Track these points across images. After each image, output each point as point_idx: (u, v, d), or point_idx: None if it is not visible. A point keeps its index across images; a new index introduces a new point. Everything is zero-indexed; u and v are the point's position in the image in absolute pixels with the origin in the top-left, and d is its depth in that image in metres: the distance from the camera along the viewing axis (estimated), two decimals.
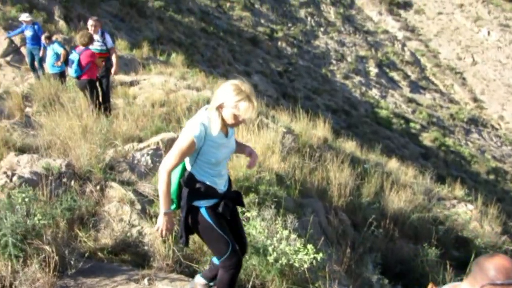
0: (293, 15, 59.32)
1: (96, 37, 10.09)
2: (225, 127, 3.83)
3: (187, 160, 3.90)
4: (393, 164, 13.20)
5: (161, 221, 3.82)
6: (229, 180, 4.18)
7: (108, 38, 10.58)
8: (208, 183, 3.87)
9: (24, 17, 15.18)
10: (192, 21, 42.72)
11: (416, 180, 11.92)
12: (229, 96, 3.63)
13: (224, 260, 3.84)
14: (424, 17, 68.12)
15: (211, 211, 3.88)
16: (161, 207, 3.81)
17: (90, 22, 10.38)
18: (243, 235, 4.19)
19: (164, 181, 3.73)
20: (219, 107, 3.69)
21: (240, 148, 4.28)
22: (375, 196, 8.93)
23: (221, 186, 3.96)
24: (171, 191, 3.87)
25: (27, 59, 15.85)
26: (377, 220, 7.41)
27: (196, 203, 3.88)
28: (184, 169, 3.96)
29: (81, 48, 9.28)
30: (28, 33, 14.91)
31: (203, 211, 3.87)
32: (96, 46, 9.98)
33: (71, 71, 9.34)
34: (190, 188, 3.88)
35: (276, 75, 44.05)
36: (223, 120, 3.73)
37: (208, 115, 3.75)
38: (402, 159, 16.13)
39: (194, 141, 3.68)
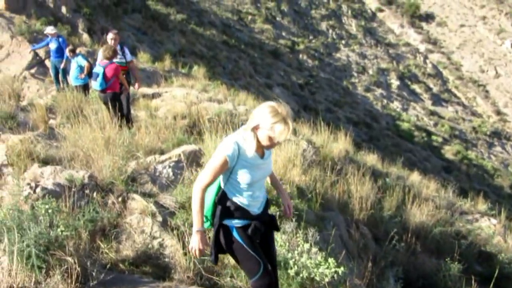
0: (315, 27, 59.48)
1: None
2: (261, 149, 3.80)
3: (221, 178, 3.87)
4: (415, 177, 13.10)
5: (195, 240, 3.75)
6: (267, 202, 4.11)
7: (127, 51, 10.67)
8: (239, 203, 3.82)
9: (49, 30, 15.35)
10: (213, 34, 43.03)
11: (438, 194, 11.81)
12: (265, 117, 3.61)
13: (256, 280, 3.76)
14: (447, 29, 67.81)
15: (242, 231, 3.83)
16: (194, 225, 3.76)
17: (110, 36, 10.46)
18: (272, 261, 4.07)
19: (197, 198, 3.71)
20: (255, 128, 3.68)
21: (276, 185, 4.32)
22: (396, 210, 8.85)
23: (254, 208, 3.89)
24: (206, 208, 3.84)
25: (51, 72, 16.03)
26: (398, 234, 7.34)
27: (227, 222, 3.84)
28: (220, 186, 3.92)
29: (105, 61, 9.38)
30: (53, 46, 15.13)
31: (233, 231, 3.83)
32: (116, 59, 9.97)
33: (95, 84, 9.44)
34: (222, 206, 3.84)
35: (297, 87, 44.13)
36: (258, 141, 3.71)
37: (244, 135, 3.74)
38: (424, 172, 15.99)
39: (227, 160, 3.67)
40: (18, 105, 10.44)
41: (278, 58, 48.61)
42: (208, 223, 3.95)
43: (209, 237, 4.03)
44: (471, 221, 11.10)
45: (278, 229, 4.27)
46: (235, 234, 3.83)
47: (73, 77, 13.63)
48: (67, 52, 14.17)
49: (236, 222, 3.85)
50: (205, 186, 3.74)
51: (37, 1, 25.52)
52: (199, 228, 3.75)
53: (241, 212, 3.84)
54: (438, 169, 36.83)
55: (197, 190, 3.72)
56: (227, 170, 3.76)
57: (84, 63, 13.37)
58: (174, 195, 6.01)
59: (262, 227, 3.92)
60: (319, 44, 56.39)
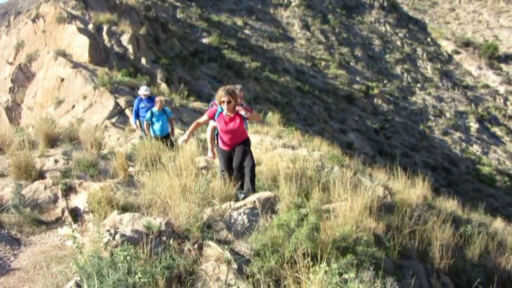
0: (389, 71, 59.10)
1: None
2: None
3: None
4: (498, 224, 12.54)
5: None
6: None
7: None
8: None
9: (143, 90, 15.47)
10: (287, 81, 43.49)
11: None
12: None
13: None
14: None
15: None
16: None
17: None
18: None
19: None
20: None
21: None
22: (480, 259, 8.47)
23: None
24: None
25: (140, 129, 15.53)
26: (482, 284, 7.01)
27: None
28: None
29: None
30: (146, 105, 15.18)
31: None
32: None
33: None
34: None
35: (372, 132, 43.70)
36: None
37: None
38: (507, 219, 15.29)
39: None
40: (99, 154, 10.78)
41: (352, 103, 48.46)
42: None
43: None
44: None
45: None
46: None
47: (162, 129, 13.87)
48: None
49: None
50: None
51: (118, 54, 26.68)
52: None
53: None
54: None
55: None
56: None
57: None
58: (249, 242, 5.99)
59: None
60: (394, 88, 55.88)
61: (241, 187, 7.95)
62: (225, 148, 8.09)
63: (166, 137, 13.68)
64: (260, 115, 8.48)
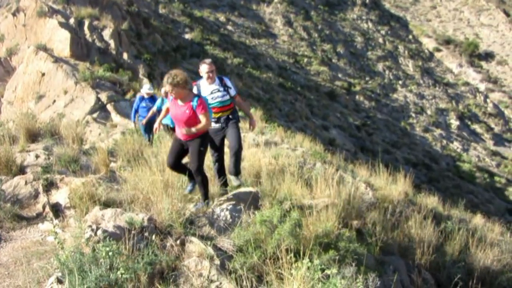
0: (371, 68, 59.34)
1: (214, 86, 8.12)
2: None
3: None
4: (478, 220, 12.67)
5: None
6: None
7: (229, 83, 8.21)
8: None
9: (146, 89, 14.57)
10: (270, 77, 43.45)
11: (503, 238, 11.37)
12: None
13: None
14: (507, 68, 66.44)
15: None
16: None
17: (205, 68, 8.05)
18: None
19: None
20: None
21: None
22: (460, 254, 8.55)
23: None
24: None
25: (142, 130, 14.35)
26: (462, 279, 7.08)
27: None
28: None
29: None
30: (147, 105, 14.27)
31: None
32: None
33: None
34: None
35: (354, 128, 43.87)
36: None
37: None
38: (487, 215, 15.45)
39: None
40: (80, 149, 10.71)
41: (335, 100, 48.60)
42: None
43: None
44: None
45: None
46: None
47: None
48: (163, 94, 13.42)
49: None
50: None
51: (100, 49, 26.47)
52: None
53: None
54: (502, 212, 35.63)
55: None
56: None
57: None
58: (232, 238, 5.99)
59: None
60: (376, 85, 56.14)
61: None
62: (177, 136, 7.11)
63: (173, 129, 13.22)
64: (205, 125, 6.85)
